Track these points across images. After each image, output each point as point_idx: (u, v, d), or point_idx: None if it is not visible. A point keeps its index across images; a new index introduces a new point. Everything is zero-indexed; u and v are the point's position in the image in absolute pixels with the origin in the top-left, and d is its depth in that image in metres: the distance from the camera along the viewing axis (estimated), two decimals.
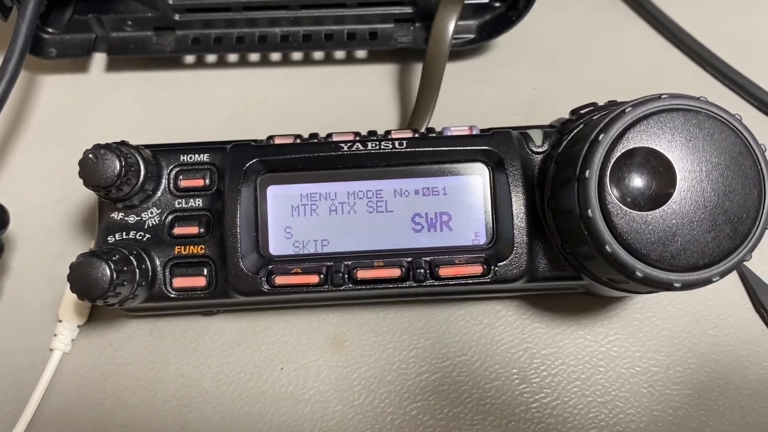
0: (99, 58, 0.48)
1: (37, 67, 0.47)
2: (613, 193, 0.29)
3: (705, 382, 0.37)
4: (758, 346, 0.38)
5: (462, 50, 0.46)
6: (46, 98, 0.47)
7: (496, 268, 0.33)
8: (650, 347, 0.38)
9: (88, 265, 0.30)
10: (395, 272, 0.34)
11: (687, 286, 0.29)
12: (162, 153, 0.36)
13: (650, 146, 0.29)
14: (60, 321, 0.38)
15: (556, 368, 0.38)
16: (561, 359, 0.38)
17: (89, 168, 0.32)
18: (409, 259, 0.34)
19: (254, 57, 0.48)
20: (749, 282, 0.39)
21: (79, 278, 0.30)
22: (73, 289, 0.30)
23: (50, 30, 0.45)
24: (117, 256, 0.31)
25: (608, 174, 0.29)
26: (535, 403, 0.37)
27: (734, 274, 0.40)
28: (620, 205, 0.29)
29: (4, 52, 0.39)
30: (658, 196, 0.29)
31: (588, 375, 0.37)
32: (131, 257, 0.32)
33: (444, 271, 0.33)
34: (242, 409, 0.37)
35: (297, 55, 0.48)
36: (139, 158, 0.34)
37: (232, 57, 0.48)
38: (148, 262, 0.34)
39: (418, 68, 0.46)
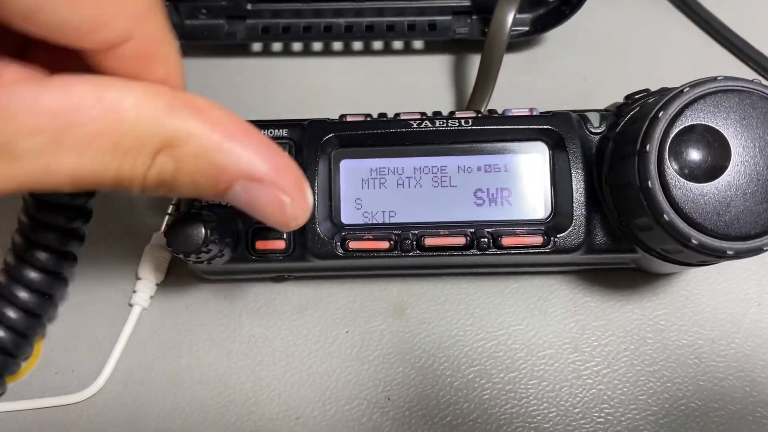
0: None
1: None
2: (671, 166, 0.31)
3: (749, 356, 0.39)
4: None
5: (516, 42, 0.48)
6: None
7: (556, 239, 0.36)
8: (696, 321, 0.40)
9: (184, 222, 0.33)
10: (460, 240, 0.36)
11: (739, 254, 0.31)
12: None
13: (707, 123, 0.31)
14: (139, 279, 0.41)
15: (606, 339, 0.40)
16: (611, 331, 0.40)
17: None
18: (473, 230, 0.36)
19: (317, 46, 0.51)
20: None
21: (176, 234, 0.33)
22: (169, 244, 0.33)
23: None
24: (208, 216, 0.34)
25: (667, 148, 0.31)
26: (586, 371, 0.39)
27: None
28: (678, 177, 0.31)
29: None
30: (713, 170, 0.31)
31: (636, 346, 0.39)
32: (219, 219, 0.35)
33: (506, 241, 0.36)
34: (311, 368, 0.40)
35: (357, 45, 0.51)
36: None
37: (297, 46, 0.51)
38: (233, 225, 0.36)
39: (472, 59, 0.49)
